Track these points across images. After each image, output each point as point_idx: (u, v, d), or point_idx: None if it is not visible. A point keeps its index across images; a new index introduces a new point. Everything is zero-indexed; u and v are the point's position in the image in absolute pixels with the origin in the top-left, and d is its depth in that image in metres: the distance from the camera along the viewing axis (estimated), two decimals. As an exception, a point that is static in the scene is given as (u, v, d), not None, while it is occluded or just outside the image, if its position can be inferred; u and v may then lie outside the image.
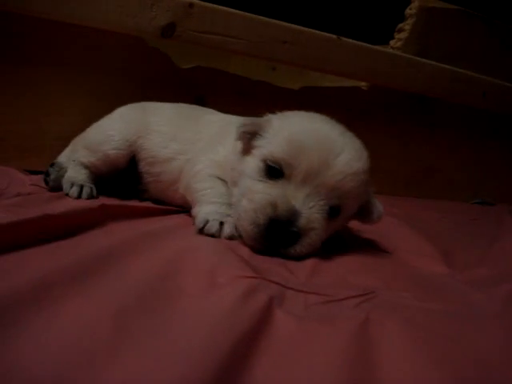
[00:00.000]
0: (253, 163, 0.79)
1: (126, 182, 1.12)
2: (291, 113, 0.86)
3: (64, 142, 1.19)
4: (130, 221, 0.81)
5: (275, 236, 0.72)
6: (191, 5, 1.28)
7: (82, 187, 1.03)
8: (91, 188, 1.05)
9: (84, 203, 0.95)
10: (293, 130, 0.77)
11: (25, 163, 1.23)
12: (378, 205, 0.85)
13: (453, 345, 0.44)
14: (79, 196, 1.01)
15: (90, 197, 1.03)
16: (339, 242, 0.88)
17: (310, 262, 0.72)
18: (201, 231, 0.79)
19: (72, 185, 1.04)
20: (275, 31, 1.43)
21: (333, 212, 0.76)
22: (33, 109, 1.28)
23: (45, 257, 0.57)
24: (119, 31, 1.25)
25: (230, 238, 0.78)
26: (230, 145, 0.90)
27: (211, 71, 1.52)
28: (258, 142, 0.81)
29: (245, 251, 0.73)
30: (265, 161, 0.77)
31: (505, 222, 1.43)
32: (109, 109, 1.16)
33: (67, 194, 1.02)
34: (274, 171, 0.75)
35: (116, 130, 1.08)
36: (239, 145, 0.85)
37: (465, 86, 1.88)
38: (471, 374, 0.39)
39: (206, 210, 0.83)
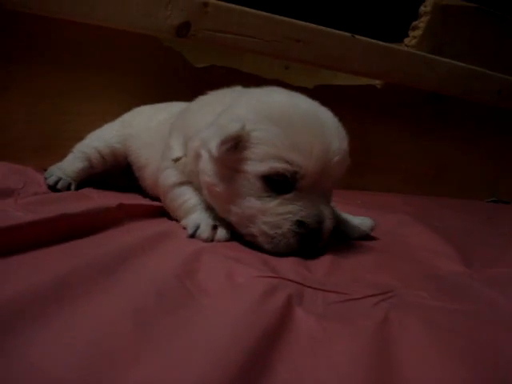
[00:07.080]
0: (247, 181, 0.71)
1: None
2: (266, 110, 0.73)
3: (80, 141, 1.20)
4: (147, 220, 0.82)
5: (306, 247, 0.72)
6: (206, 4, 1.28)
7: (59, 178, 1.07)
8: (69, 183, 1.09)
9: (102, 202, 0.95)
10: (289, 133, 0.69)
11: (41, 162, 1.24)
12: None
13: (472, 345, 0.44)
14: (55, 185, 1.05)
15: (67, 189, 1.07)
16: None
17: (327, 260, 0.72)
18: (192, 237, 0.75)
19: (51, 174, 1.08)
20: (289, 30, 1.43)
21: None
22: (49, 108, 1.29)
23: (63, 256, 0.57)
24: (134, 31, 1.25)
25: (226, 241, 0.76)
26: (177, 143, 0.86)
27: (225, 70, 1.52)
28: (242, 155, 0.71)
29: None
30: (263, 177, 0.69)
31: (521, 220, 1.42)
32: (124, 108, 1.17)
33: (45, 178, 1.07)
34: (280, 185, 0.70)
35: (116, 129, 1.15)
36: (214, 161, 0.73)
37: (480, 83, 1.87)
38: (491, 374, 0.39)
39: (195, 217, 0.79)
